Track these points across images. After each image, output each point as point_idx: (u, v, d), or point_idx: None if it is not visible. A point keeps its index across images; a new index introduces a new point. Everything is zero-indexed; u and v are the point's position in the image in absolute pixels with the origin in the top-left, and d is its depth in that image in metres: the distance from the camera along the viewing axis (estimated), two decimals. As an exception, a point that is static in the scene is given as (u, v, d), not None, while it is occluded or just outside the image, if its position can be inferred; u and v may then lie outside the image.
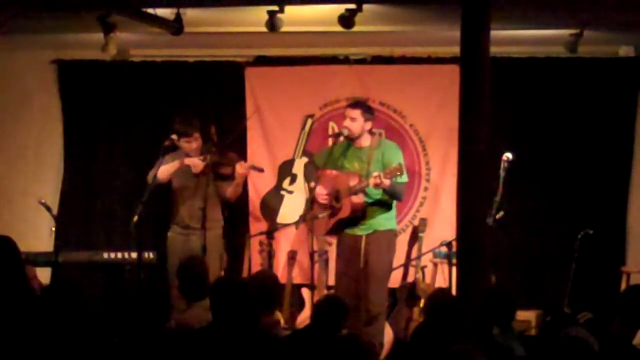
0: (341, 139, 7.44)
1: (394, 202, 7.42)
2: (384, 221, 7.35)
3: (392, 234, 7.47)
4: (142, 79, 8.84)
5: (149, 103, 8.79)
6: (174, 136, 7.54)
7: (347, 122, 7.35)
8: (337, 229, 7.44)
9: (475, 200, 5.33)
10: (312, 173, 7.63)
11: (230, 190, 7.66)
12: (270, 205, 8.62)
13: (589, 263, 7.96)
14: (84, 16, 7.21)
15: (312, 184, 7.40)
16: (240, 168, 7.60)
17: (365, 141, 7.39)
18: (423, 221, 8.21)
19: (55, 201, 8.78)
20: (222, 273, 7.80)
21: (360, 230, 7.35)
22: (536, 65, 8.38)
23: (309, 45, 8.51)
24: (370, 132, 7.47)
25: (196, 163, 7.55)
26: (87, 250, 8.23)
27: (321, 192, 7.37)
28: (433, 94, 8.36)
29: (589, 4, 6.81)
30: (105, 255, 7.98)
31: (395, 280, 8.08)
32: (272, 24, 7.11)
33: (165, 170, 7.54)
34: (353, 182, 7.26)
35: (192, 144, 7.61)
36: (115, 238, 8.67)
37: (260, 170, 7.89)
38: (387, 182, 7.06)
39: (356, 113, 7.34)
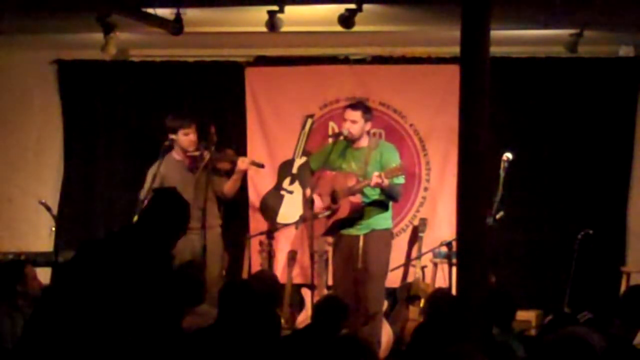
0: (341, 138, 7.43)
1: (390, 203, 7.41)
2: (381, 221, 7.33)
3: (389, 233, 7.46)
4: (141, 79, 8.84)
5: (149, 103, 8.78)
6: (174, 136, 7.55)
7: (347, 125, 7.31)
8: (334, 230, 7.43)
9: (475, 200, 5.31)
10: (307, 177, 7.58)
11: (228, 186, 7.64)
12: (270, 205, 8.61)
13: (589, 263, 7.96)
14: (84, 16, 7.21)
15: (309, 191, 7.38)
16: (241, 164, 7.59)
17: (364, 142, 7.38)
18: (423, 221, 8.22)
19: (55, 201, 8.78)
20: (224, 273, 7.79)
21: (357, 230, 7.33)
22: (536, 65, 8.38)
23: (309, 45, 8.51)
24: (367, 132, 7.47)
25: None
26: (87, 250, 8.21)
27: (320, 210, 7.35)
28: (433, 94, 8.36)
29: (589, 4, 6.80)
30: (105, 255, 7.95)
31: (395, 280, 8.09)
32: (272, 24, 7.10)
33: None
34: (351, 182, 7.24)
35: (190, 136, 7.60)
36: (115, 238, 8.65)
37: (261, 165, 7.87)
38: (387, 181, 7.06)
39: (356, 115, 7.32)
